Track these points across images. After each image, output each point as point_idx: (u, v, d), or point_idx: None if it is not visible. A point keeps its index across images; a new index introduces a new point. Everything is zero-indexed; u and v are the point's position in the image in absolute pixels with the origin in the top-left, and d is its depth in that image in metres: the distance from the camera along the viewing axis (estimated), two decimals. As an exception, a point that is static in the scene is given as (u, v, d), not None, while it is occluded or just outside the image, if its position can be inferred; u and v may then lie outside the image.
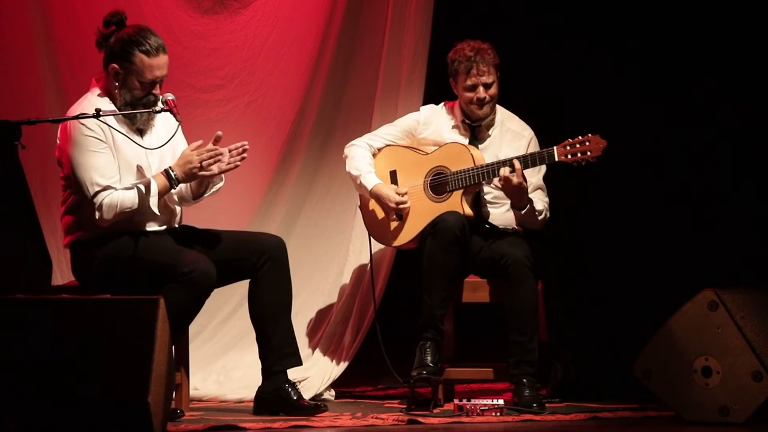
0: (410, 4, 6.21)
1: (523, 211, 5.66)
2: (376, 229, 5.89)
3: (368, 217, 5.91)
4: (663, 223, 6.31)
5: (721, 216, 6.27)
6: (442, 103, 5.93)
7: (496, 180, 5.69)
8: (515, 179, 5.52)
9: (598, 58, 6.37)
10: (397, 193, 5.75)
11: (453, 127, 5.87)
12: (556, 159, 5.53)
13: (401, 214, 5.78)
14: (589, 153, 5.48)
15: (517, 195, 5.60)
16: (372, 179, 5.80)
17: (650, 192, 6.33)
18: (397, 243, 5.84)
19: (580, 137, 5.50)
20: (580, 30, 6.43)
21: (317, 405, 5.39)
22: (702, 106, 6.33)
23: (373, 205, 5.87)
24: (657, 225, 6.31)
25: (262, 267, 5.39)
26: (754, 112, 6.30)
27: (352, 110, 6.35)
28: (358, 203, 5.98)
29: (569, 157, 5.50)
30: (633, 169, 6.24)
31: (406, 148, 5.89)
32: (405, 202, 5.74)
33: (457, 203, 5.66)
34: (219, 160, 5.26)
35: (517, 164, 5.52)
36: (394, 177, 5.87)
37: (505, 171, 5.53)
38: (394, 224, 5.81)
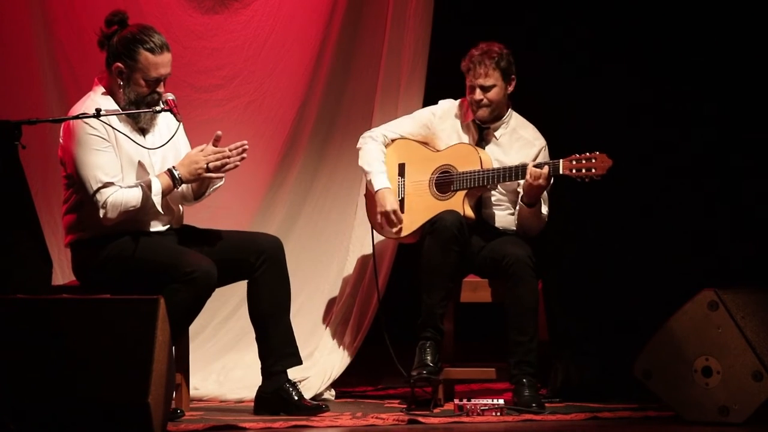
0: (410, 4, 6.21)
1: (532, 209, 5.66)
2: (377, 220, 5.88)
3: (372, 208, 5.90)
4: (663, 222, 6.32)
5: (721, 216, 6.27)
6: (460, 99, 5.93)
7: (506, 184, 5.71)
8: (542, 181, 5.52)
9: (605, 69, 6.39)
10: (395, 212, 5.75)
11: (463, 125, 5.87)
12: (561, 172, 5.53)
13: (403, 204, 5.79)
14: (593, 170, 5.48)
15: (536, 193, 5.60)
16: (381, 181, 5.81)
17: (650, 192, 6.33)
18: (397, 235, 5.83)
19: (587, 153, 5.50)
20: (579, 34, 6.45)
21: (318, 405, 5.38)
22: (702, 107, 6.34)
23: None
24: (657, 225, 6.32)
25: (260, 267, 5.38)
26: (755, 113, 6.31)
27: (352, 110, 6.35)
28: (363, 192, 5.98)
29: (574, 171, 5.50)
30: (633, 169, 6.25)
31: (418, 143, 5.89)
32: (396, 224, 5.75)
33: (459, 203, 5.67)
34: (226, 163, 5.27)
35: (546, 168, 5.53)
36: (402, 169, 5.88)
37: (543, 170, 5.53)
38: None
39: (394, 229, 5.78)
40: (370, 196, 5.91)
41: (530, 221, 5.73)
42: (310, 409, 5.33)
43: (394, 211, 5.76)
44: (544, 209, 5.74)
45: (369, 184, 5.85)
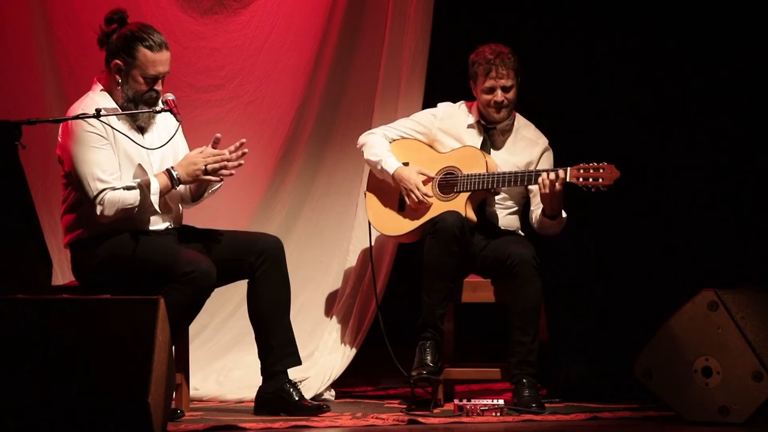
0: (410, 4, 6.21)
1: (555, 220, 5.66)
2: (377, 217, 5.88)
3: (372, 205, 5.90)
4: (663, 223, 6.32)
5: (721, 216, 6.27)
6: (461, 102, 5.92)
7: (509, 188, 5.71)
8: (559, 185, 5.51)
9: (605, 70, 6.39)
10: (417, 186, 5.71)
11: (469, 126, 5.86)
12: (567, 180, 5.51)
13: (404, 202, 5.78)
14: (600, 180, 5.46)
15: (555, 202, 5.58)
16: (393, 163, 5.79)
17: (651, 192, 6.34)
18: (395, 233, 5.83)
19: (595, 164, 5.49)
20: (582, 37, 6.45)
21: (319, 405, 5.38)
22: (702, 106, 6.35)
23: (379, 193, 5.87)
24: (657, 225, 6.32)
25: (260, 267, 5.38)
26: (754, 113, 6.32)
27: (352, 110, 6.35)
28: (365, 189, 5.97)
29: (580, 180, 5.49)
30: (634, 169, 6.25)
31: (422, 143, 5.89)
32: (425, 201, 5.72)
33: (462, 205, 5.66)
34: (225, 166, 5.27)
35: (561, 173, 5.52)
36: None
37: (550, 176, 5.52)
38: (395, 214, 5.81)
39: (426, 202, 5.72)
40: (372, 191, 5.89)
41: (553, 229, 5.72)
42: (311, 409, 5.33)
43: (417, 186, 5.72)
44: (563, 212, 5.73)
45: (382, 172, 5.81)
